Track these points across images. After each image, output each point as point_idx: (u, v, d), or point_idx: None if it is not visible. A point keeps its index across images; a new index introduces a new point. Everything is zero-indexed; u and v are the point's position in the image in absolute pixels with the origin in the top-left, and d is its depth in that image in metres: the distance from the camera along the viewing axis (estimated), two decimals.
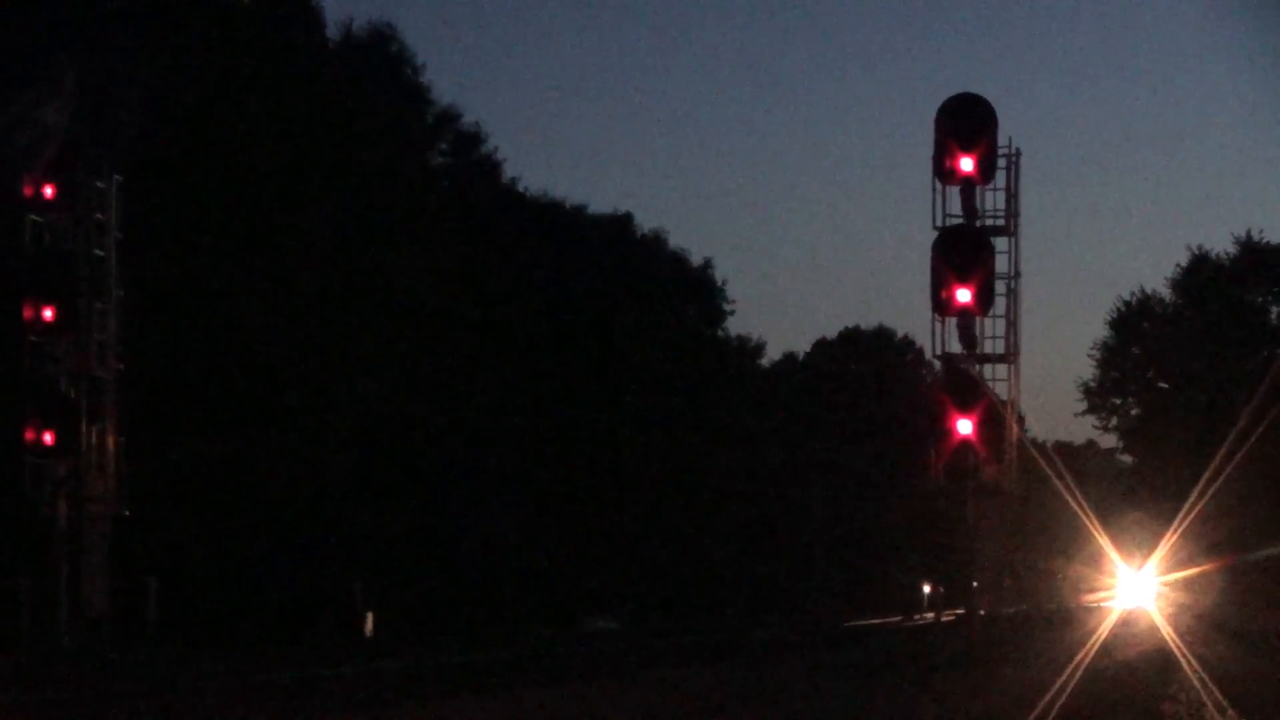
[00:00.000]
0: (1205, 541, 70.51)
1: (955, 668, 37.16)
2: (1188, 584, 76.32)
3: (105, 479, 49.20)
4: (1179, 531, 62.79)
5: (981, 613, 45.56)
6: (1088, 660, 39.32)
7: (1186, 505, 57.91)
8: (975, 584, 44.14)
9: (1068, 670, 34.81)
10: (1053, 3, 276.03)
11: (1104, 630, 54.49)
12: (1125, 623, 63.84)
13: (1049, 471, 39.37)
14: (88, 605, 48.67)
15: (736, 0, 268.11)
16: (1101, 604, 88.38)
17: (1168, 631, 51.12)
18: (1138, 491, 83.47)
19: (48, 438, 47.62)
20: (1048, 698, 28.04)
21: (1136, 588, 78.94)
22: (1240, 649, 41.90)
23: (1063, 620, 72.41)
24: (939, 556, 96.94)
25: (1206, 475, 57.29)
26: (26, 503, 48.61)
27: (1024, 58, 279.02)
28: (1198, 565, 71.97)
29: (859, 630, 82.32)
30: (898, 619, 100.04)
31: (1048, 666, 35.90)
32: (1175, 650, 40.43)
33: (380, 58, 74.85)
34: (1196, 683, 30.71)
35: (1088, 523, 42.63)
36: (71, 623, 48.11)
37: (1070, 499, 40.63)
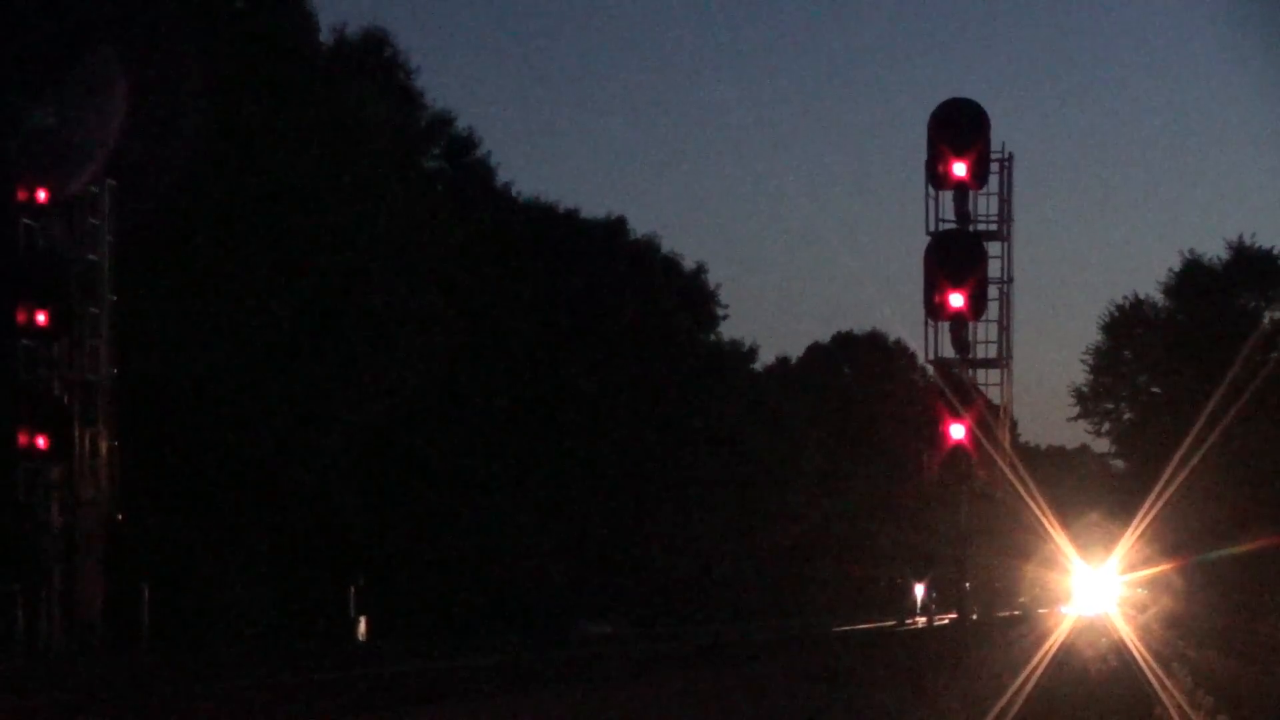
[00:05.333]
0: (1178, 541, 70.48)
1: (944, 673, 37.18)
2: (1167, 586, 76.24)
3: (98, 483, 49.15)
4: (1140, 533, 62.84)
5: (974, 616, 45.61)
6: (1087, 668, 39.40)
7: (1148, 500, 57.97)
8: (968, 585, 44.22)
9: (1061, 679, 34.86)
10: (1046, 8, 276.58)
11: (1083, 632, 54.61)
12: (1102, 628, 63.82)
13: (1009, 475, 39.37)
14: (81, 609, 48.64)
15: (730, 6, 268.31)
16: (1061, 609, 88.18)
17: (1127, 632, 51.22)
18: (1125, 496, 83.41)
19: (41, 442, 47.56)
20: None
21: (1104, 592, 78.80)
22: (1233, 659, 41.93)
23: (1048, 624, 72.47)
24: (931, 560, 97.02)
25: (1170, 470, 57.38)
26: (20, 507, 48.54)
27: (1017, 63, 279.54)
28: (1169, 563, 71.93)
29: (850, 636, 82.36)
30: (891, 624, 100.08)
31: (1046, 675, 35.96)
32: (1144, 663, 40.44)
33: (374, 62, 74.85)
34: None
35: (1048, 527, 42.75)
36: (65, 627, 48.07)
37: (1031, 503, 40.66)
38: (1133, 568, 73.10)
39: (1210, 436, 59.80)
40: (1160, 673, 33.89)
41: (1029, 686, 30.94)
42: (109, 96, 49.52)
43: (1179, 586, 74.36)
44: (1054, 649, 41.43)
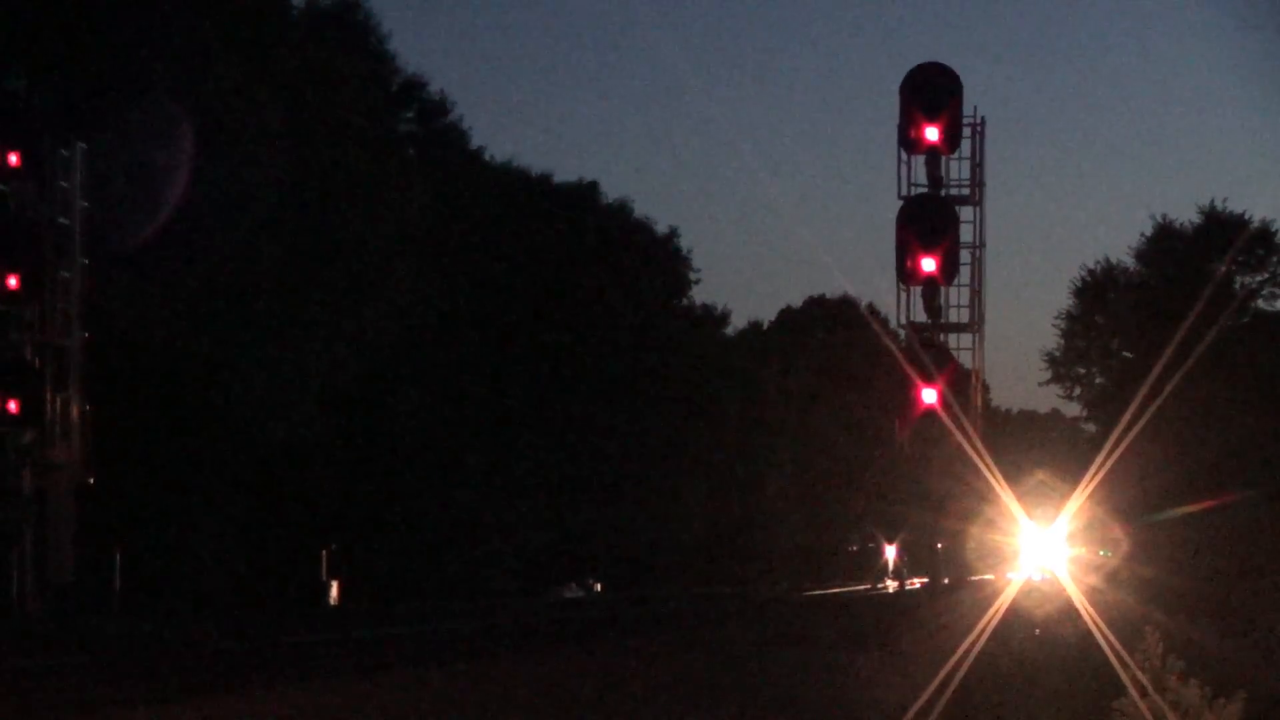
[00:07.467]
0: (1135, 502, 70.47)
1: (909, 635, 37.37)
2: (1121, 547, 76.27)
3: (70, 447, 49.11)
4: (1092, 494, 62.88)
5: (945, 581, 45.74)
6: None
7: (1099, 457, 58.01)
8: (940, 545, 44.35)
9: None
10: None
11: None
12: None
13: (960, 436, 39.42)
14: (53, 573, 48.63)
15: None
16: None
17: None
18: (1094, 459, 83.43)
19: (12, 406, 47.44)
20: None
21: (1061, 554, 78.75)
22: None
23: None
24: (903, 525, 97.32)
25: (1121, 428, 57.44)
26: None
27: (990, 26, 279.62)
28: (1127, 525, 71.91)
29: (823, 600, 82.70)
30: (865, 588, 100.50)
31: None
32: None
33: (346, 25, 74.55)
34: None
35: (1000, 490, 42.83)
36: (37, 590, 48.07)
37: (985, 469, 40.78)
38: (1089, 529, 73.28)
39: (1160, 396, 59.89)
40: (1115, 640, 33.98)
41: (985, 645, 31.03)
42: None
43: (1131, 549, 74.52)
44: (1003, 610, 41.61)
